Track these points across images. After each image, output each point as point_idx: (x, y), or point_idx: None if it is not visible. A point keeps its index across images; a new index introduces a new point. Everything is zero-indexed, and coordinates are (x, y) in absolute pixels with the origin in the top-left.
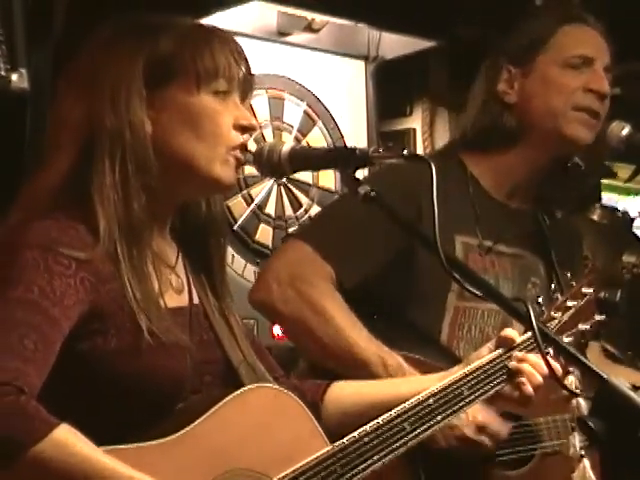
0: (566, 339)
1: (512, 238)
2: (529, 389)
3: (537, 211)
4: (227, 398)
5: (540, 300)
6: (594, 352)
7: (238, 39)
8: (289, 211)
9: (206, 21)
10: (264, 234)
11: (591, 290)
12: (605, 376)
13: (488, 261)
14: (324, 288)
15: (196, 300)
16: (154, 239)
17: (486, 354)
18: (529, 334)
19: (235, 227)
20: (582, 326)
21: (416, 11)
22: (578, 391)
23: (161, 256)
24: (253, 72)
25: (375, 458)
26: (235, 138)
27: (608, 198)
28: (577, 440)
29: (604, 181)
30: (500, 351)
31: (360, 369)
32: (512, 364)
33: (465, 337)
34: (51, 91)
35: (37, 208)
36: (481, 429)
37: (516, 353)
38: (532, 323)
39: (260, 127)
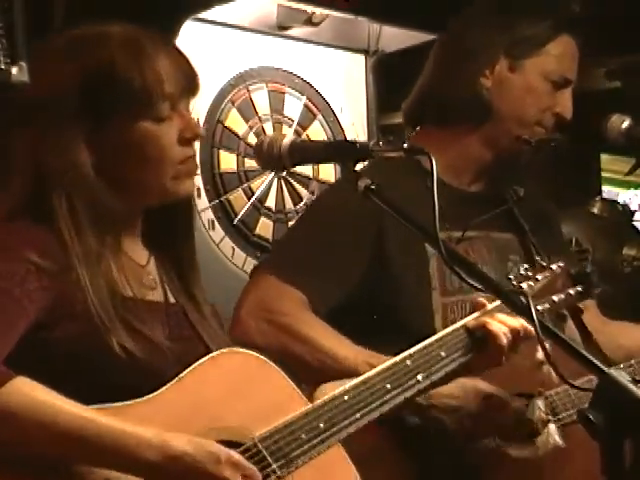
0: (540, 307)
1: (480, 222)
2: (502, 340)
3: (500, 190)
4: (200, 360)
5: (511, 276)
6: (591, 311)
7: (238, 33)
8: (289, 204)
9: (206, 15)
10: (264, 227)
11: (560, 264)
12: (605, 369)
13: (462, 251)
14: (297, 313)
15: (172, 300)
16: (123, 243)
17: None
18: (498, 302)
19: (235, 221)
20: (556, 297)
21: (416, 4)
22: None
23: (131, 257)
24: (195, 70)
25: (357, 415)
26: (180, 154)
27: (608, 191)
28: (542, 404)
29: (604, 174)
30: (475, 314)
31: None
32: (472, 323)
33: None
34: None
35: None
36: (487, 398)
37: (483, 318)
38: (532, 315)
39: (260, 121)
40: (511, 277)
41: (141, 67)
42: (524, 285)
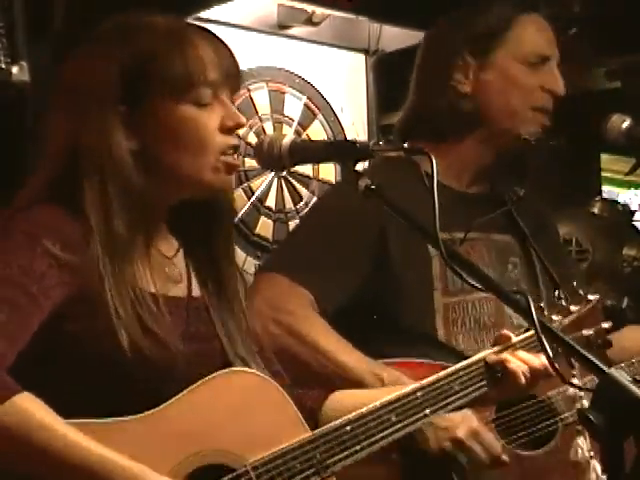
0: None
1: (481, 224)
2: (521, 379)
3: (500, 191)
4: (203, 380)
5: (542, 305)
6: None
7: (238, 32)
8: (289, 204)
9: (206, 14)
10: (264, 227)
11: (596, 297)
12: (606, 369)
13: (463, 252)
14: (305, 316)
15: (196, 294)
16: (150, 233)
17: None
18: (525, 335)
19: (235, 220)
20: (586, 332)
21: (416, 4)
22: (579, 384)
23: (158, 248)
24: (238, 64)
25: (357, 447)
26: (223, 142)
27: (608, 191)
28: (584, 443)
29: (604, 174)
30: (495, 348)
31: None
32: (492, 358)
33: (461, 331)
34: (52, 83)
35: (29, 201)
36: (474, 434)
37: (504, 355)
38: (532, 315)
39: (260, 120)
40: (542, 306)
41: (184, 51)
42: (555, 317)
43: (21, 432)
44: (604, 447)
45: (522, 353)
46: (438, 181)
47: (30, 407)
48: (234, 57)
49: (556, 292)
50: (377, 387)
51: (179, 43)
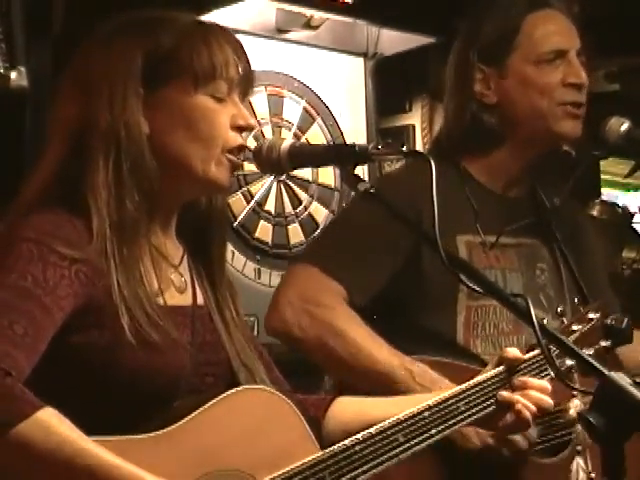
0: (568, 361)
1: (514, 228)
2: (527, 415)
3: (536, 195)
4: (217, 398)
5: (560, 309)
6: None
7: (237, 36)
8: (289, 208)
9: (205, 18)
10: (264, 231)
11: (597, 315)
12: (606, 372)
13: (493, 257)
14: (338, 308)
15: (201, 301)
16: (156, 237)
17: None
18: (531, 354)
19: (235, 224)
20: (586, 351)
21: (415, 7)
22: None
23: (164, 254)
24: (253, 69)
25: (365, 467)
26: (232, 139)
27: (608, 193)
28: (583, 462)
29: (604, 177)
30: (501, 368)
31: (387, 384)
32: (502, 395)
33: (480, 335)
34: (51, 89)
35: (30, 202)
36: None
37: (517, 379)
38: (532, 318)
39: (259, 124)
40: (545, 321)
41: (209, 43)
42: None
43: (46, 448)
44: (604, 449)
45: (535, 393)
46: (476, 181)
47: (54, 422)
48: (250, 64)
49: (558, 309)
50: (408, 381)
51: (205, 35)
